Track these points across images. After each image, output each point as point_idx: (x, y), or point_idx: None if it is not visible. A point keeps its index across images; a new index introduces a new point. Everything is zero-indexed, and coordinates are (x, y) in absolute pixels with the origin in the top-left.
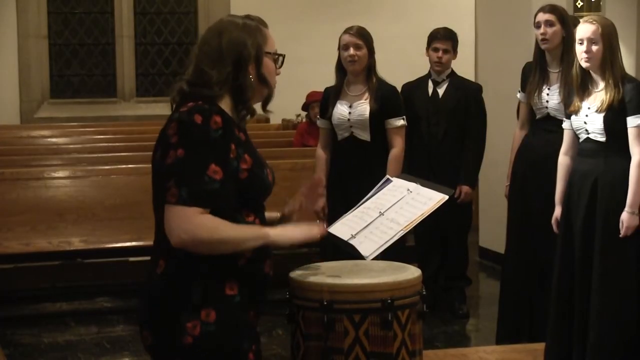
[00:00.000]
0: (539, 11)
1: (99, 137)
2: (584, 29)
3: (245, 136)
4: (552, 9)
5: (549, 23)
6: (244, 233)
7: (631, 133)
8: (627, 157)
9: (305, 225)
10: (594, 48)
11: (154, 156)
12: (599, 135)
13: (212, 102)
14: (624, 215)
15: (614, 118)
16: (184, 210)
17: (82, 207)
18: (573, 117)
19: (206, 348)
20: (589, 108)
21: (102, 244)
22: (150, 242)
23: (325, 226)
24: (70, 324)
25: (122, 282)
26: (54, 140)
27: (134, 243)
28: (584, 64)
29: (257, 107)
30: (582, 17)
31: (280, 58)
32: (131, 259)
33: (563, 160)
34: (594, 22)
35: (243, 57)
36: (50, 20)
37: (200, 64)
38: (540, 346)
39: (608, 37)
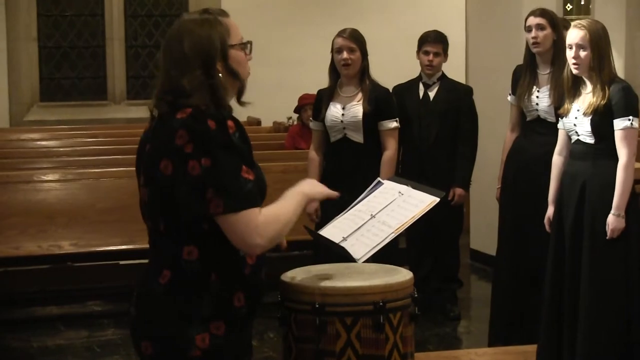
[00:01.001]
0: (529, 15)
1: (89, 140)
2: (573, 35)
3: None
4: (542, 12)
5: (540, 27)
6: (292, 204)
7: (617, 135)
8: (615, 160)
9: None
10: (582, 54)
11: (151, 166)
12: (588, 138)
13: (209, 107)
14: (610, 218)
15: (602, 121)
16: (245, 215)
17: (73, 211)
18: (564, 118)
19: None
20: (578, 110)
21: (92, 247)
22: (141, 245)
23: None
24: (60, 328)
25: (112, 286)
26: (44, 143)
27: (124, 246)
28: (574, 70)
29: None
30: (571, 19)
31: (249, 45)
32: (122, 262)
33: (557, 159)
34: (583, 27)
35: (210, 56)
36: (40, 23)
37: (168, 72)
38: (532, 348)
39: (596, 42)
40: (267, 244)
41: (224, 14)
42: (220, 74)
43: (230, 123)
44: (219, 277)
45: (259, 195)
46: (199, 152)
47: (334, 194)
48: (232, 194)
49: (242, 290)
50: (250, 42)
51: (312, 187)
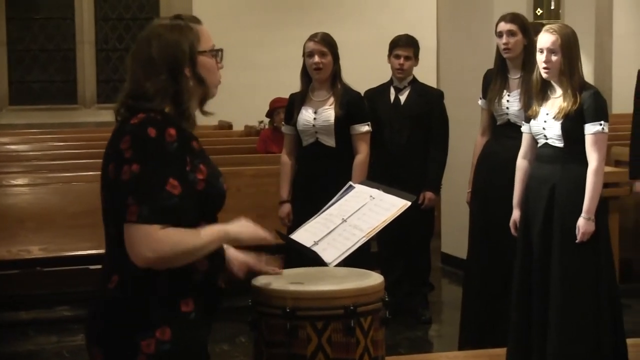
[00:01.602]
0: (500, 20)
1: (59, 144)
2: (544, 39)
3: (198, 144)
4: (513, 18)
5: (510, 33)
6: (205, 238)
7: (588, 140)
8: (585, 164)
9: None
10: (553, 58)
11: (105, 169)
12: (557, 141)
13: (163, 113)
14: (580, 221)
15: (572, 125)
16: (146, 228)
17: (43, 215)
18: (532, 122)
19: None
20: (547, 114)
21: (62, 252)
22: None
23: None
24: (30, 334)
25: (82, 291)
26: (13, 147)
27: (94, 251)
28: (544, 74)
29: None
30: (542, 24)
31: (220, 52)
32: (91, 267)
33: (521, 163)
34: (554, 32)
35: (177, 61)
36: (9, 26)
37: (135, 75)
38: (502, 351)
39: (567, 47)
40: (155, 261)
41: (196, 20)
42: (188, 80)
43: (171, 131)
44: (166, 283)
45: (189, 211)
46: (133, 158)
47: (267, 237)
48: (149, 206)
49: (191, 295)
50: (221, 50)
51: (240, 228)
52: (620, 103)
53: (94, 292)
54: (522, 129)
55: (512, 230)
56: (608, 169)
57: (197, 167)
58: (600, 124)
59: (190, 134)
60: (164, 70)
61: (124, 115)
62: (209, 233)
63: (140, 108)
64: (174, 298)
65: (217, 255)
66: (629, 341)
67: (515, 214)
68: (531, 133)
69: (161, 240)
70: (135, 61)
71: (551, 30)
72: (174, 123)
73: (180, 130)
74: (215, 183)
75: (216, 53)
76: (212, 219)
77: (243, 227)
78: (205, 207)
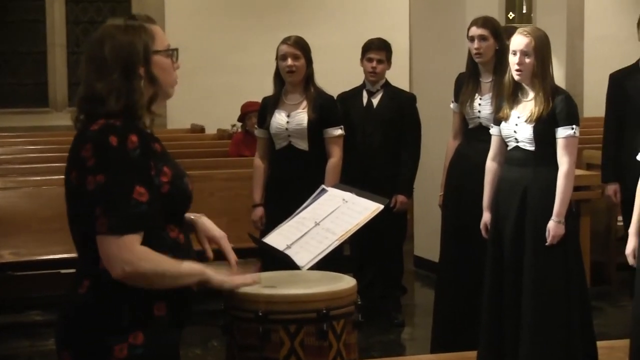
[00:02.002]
0: (472, 25)
1: (30, 147)
2: (518, 41)
3: (161, 146)
4: (485, 22)
5: (482, 38)
6: (183, 269)
7: (560, 144)
8: (555, 167)
9: (242, 276)
10: (527, 60)
11: (68, 176)
12: (528, 145)
13: (122, 119)
14: (551, 224)
15: (544, 129)
16: (120, 240)
17: (14, 219)
18: (503, 124)
19: None
20: (518, 117)
21: (33, 256)
22: None
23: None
24: (2, 338)
25: (54, 295)
26: None
27: (65, 255)
28: (516, 76)
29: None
30: (514, 28)
31: (175, 52)
32: (63, 271)
33: (490, 165)
34: (528, 34)
35: (130, 61)
36: None
37: (88, 77)
38: (474, 354)
39: (541, 50)
40: (131, 275)
41: (150, 20)
42: (140, 80)
43: (133, 138)
44: (138, 287)
45: (157, 216)
46: (96, 168)
47: (237, 284)
48: (118, 216)
49: (163, 299)
50: (176, 50)
51: (216, 271)
52: (592, 106)
53: (65, 295)
54: (490, 131)
55: (483, 233)
56: (579, 172)
57: (160, 170)
58: (572, 128)
59: (151, 136)
60: (115, 71)
61: (83, 121)
62: (187, 265)
63: (99, 113)
64: (147, 302)
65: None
66: (601, 343)
67: (486, 216)
68: (500, 136)
69: (142, 258)
70: (88, 63)
71: (525, 33)
72: (134, 128)
73: (142, 135)
74: (180, 184)
75: (172, 53)
76: (179, 222)
77: (222, 274)
78: (171, 209)
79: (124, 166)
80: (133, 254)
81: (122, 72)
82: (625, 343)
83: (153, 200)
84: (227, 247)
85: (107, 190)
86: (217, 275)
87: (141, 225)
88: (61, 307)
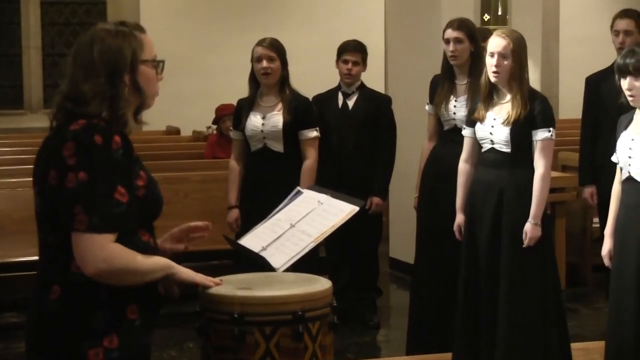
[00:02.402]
0: (447, 27)
1: (6, 149)
2: (496, 43)
3: (134, 150)
4: (460, 24)
5: (457, 40)
6: (152, 264)
7: (537, 146)
8: (531, 169)
9: (209, 278)
10: (504, 62)
11: (40, 175)
12: (504, 147)
13: (105, 120)
14: (527, 226)
15: (520, 131)
16: (97, 238)
17: None
18: (478, 126)
19: None
20: (494, 119)
21: (8, 257)
22: None
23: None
24: None
25: (29, 297)
26: None
27: None
28: (493, 78)
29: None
30: (489, 30)
31: (161, 64)
32: None
33: (463, 167)
34: (506, 37)
35: (117, 66)
36: None
37: (73, 77)
38: (450, 356)
39: (518, 53)
40: (105, 273)
41: (140, 29)
42: (126, 87)
43: (117, 138)
44: (109, 291)
45: (133, 218)
46: (79, 166)
47: (206, 283)
48: (99, 214)
49: (135, 302)
50: (163, 62)
51: (186, 270)
52: (567, 108)
53: (32, 301)
54: (463, 132)
55: (457, 235)
56: (555, 174)
57: (137, 173)
58: (549, 131)
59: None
60: (103, 74)
61: (61, 120)
62: (156, 260)
63: (79, 113)
64: (120, 306)
65: None
66: (576, 345)
67: (459, 218)
68: (474, 137)
69: (115, 255)
70: (76, 63)
71: (503, 35)
72: (117, 130)
73: (125, 137)
74: (154, 189)
75: (157, 64)
76: (150, 227)
77: (188, 270)
78: (145, 213)
79: (108, 165)
80: (107, 251)
81: (108, 76)
82: (600, 344)
83: (132, 201)
84: (207, 282)
85: (88, 188)
86: (183, 271)
87: (120, 226)
88: (30, 314)
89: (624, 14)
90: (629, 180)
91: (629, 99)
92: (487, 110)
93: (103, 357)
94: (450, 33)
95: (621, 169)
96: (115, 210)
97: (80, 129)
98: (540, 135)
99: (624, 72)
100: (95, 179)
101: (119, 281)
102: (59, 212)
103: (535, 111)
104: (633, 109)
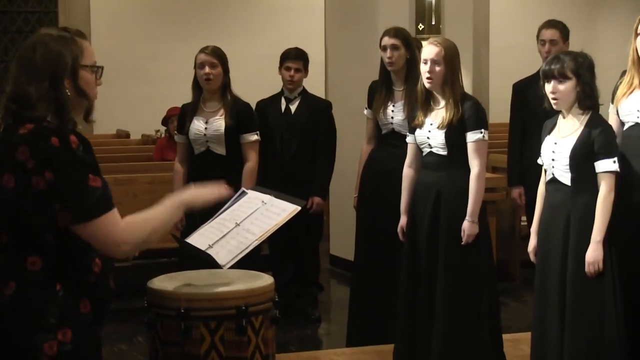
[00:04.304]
0: (384, 35)
1: None
2: (429, 50)
3: None
4: (396, 32)
5: (394, 47)
6: (165, 213)
7: (470, 147)
8: (467, 169)
9: (211, 187)
10: (437, 69)
11: None
12: (441, 150)
13: (50, 122)
14: (465, 224)
15: (454, 134)
16: (100, 221)
17: None
18: (417, 131)
19: None
20: (431, 124)
21: None
22: None
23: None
24: None
25: None
26: None
27: None
28: (427, 84)
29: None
30: (423, 39)
31: (100, 70)
32: None
33: (407, 172)
34: (438, 44)
35: (59, 70)
36: None
37: (18, 80)
38: (388, 347)
39: (450, 59)
40: (131, 247)
41: (82, 35)
42: (67, 90)
43: (72, 138)
44: (63, 286)
45: (110, 199)
46: (41, 168)
47: (221, 192)
48: (81, 205)
49: (88, 297)
50: (101, 68)
51: (194, 196)
52: (497, 113)
53: None
54: (407, 139)
55: (400, 236)
56: (486, 175)
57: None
58: (481, 132)
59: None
60: (46, 78)
61: (9, 123)
62: (166, 207)
63: (26, 117)
64: (73, 300)
65: (107, 258)
66: (506, 336)
67: (403, 220)
68: (416, 143)
69: (129, 227)
70: (19, 66)
71: (435, 43)
72: (69, 129)
73: (79, 135)
74: (106, 188)
75: (97, 70)
76: None
77: (197, 193)
78: None
79: (73, 163)
80: (119, 229)
81: (51, 80)
82: (528, 335)
83: (105, 185)
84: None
85: (62, 185)
86: (195, 198)
87: (108, 204)
88: None
89: (550, 24)
90: (553, 181)
91: (552, 102)
92: (425, 116)
93: (57, 350)
94: (387, 40)
95: (546, 171)
96: (95, 196)
97: (31, 133)
98: (473, 137)
99: (549, 76)
100: (65, 176)
101: (148, 245)
102: (21, 213)
103: (466, 114)
104: (557, 113)
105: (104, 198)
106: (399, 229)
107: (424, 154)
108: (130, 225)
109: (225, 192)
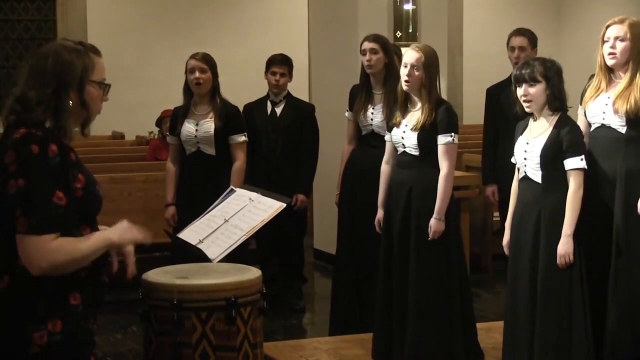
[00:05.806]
0: (364, 40)
1: None
2: (410, 55)
3: (75, 154)
4: (375, 38)
5: (373, 51)
6: (93, 244)
7: (440, 149)
8: (437, 169)
9: (136, 229)
10: (415, 73)
11: None
12: (414, 150)
13: (44, 129)
14: (432, 221)
15: (427, 136)
16: (37, 239)
17: None
18: (394, 130)
19: (53, 356)
20: (406, 125)
21: None
22: None
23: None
24: None
25: None
26: None
27: None
28: (404, 86)
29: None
30: (402, 46)
31: (107, 87)
32: None
33: (384, 168)
34: (419, 50)
35: (66, 79)
36: None
37: (26, 83)
38: (368, 336)
39: (429, 65)
40: (49, 269)
41: (96, 51)
42: (70, 101)
43: (53, 147)
44: (54, 280)
45: (73, 218)
46: (18, 173)
47: (144, 240)
48: (38, 217)
49: (78, 290)
50: (109, 85)
51: (121, 234)
52: (470, 115)
53: None
54: (385, 138)
55: (377, 229)
56: (459, 173)
57: (76, 176)
58: (451, 136)
59: (68, 146)
60: (51, 85)
61: (10, 124)
62: (96, 240)
63: (23, 120)
64: (63, 293)
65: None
66: (479, 325)
67: (380, 213)
68: (392, 141)
69: (55, 251)
70: (30, 70)
71: (417, 49)
72: (54, 138)
73: (61, 144)
74: (92, 190)
75: (104, 86)
76: (92, 222)
77: (123, 232)
78: (84, 211)
79: (45, 172)
80: (47, 251)
81: (56, 87)
82: (500, 324)
83: (70, 204)
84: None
85: (27, 194)
86: (121, 238)
87: (58, 227)
88: None
89: (519, 32)
90: (525, 179)
91: (524, 104)
92: (403, 117)
93: (47, 340)
94: (367, 44)
95: (519, 169)
96: (53, 213)
97: (19, 139)
98: (443, 139)
99: (520, 81)
100: (33, 186)
101: (66, 271)
102: (2, 215)
103: (439, 118)
104: (529, 116)
105: (58, 218)
106: (375, 222)
107: (398, 152)
108: (60, 248)
109: (149, 239)
